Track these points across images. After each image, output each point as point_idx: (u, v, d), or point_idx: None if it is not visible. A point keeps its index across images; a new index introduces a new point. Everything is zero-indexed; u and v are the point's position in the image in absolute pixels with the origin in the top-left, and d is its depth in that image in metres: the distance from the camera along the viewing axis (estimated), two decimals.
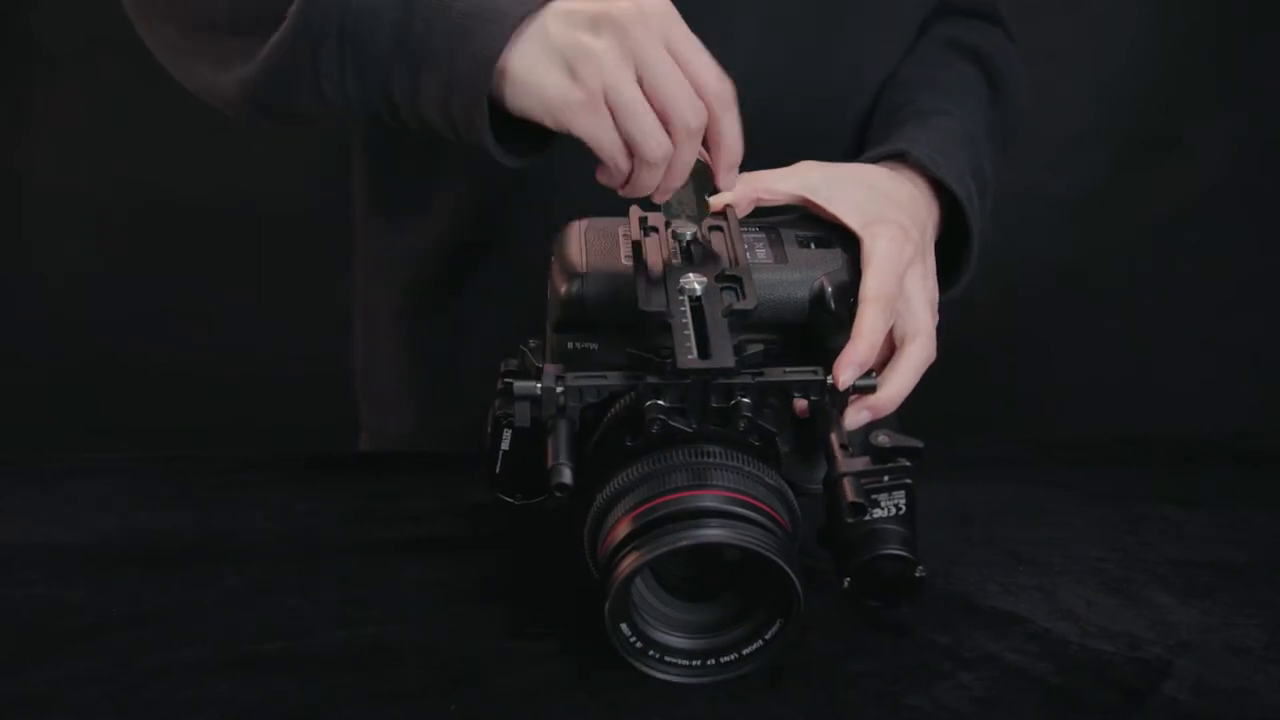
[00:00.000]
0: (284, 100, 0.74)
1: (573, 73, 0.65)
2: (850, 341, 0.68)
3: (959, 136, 0.85)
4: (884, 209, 0.75)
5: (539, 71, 0.65)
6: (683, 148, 0.66)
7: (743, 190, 0.75)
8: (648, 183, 0.67)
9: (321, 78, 0.70)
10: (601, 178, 0.69)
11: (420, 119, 0.70)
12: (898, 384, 0.72)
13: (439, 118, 0.69)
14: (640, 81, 0.65)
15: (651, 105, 0.65)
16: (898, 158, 0.82)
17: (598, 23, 0.65)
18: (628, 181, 0.68)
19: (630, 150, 0.66)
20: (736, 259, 0.71)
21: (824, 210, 0.75)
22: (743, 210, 0.75)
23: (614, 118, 0.65)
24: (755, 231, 0.75)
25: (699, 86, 0.65)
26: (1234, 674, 0.66)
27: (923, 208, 0.80)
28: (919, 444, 0.66)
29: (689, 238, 0.71)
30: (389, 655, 0.67)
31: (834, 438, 0.66)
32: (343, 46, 0.69)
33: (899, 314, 0.72)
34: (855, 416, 0.69)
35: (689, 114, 0.65)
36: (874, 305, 0.70)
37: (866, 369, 0.68)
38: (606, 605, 0.61)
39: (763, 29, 0.87)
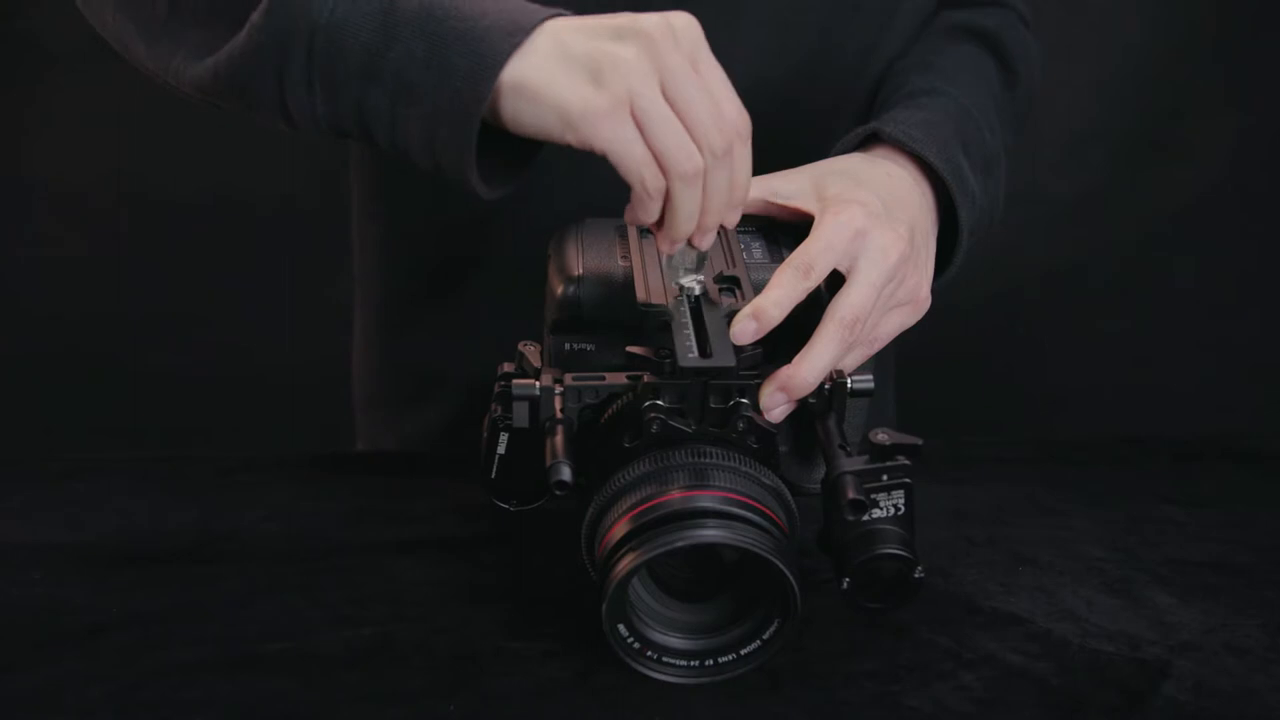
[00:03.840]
0: (239, 107, 0.68)
1: (596, 80, 0.60)
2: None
3: (948, 111, 0.83)
4: (844, 189, 0.73)
5: (557, 81, 0.60)
6: (712, 171, 0.61)
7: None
8: (688, 207, 0.62)
9: (287, 96, 0.64)
10: (631, 214, 0.64)
11: (396, 146, 0.65)
12: (812, 362, 0.67)
13: (419, 149, 0.64)
14: (665, 97, 0.61)
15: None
16: (873, 137, 0.81)
17: (623, 32, 0.60)
18: (665, 213, 0.63)
19: (661, 167, 0.61)
20: (733, 259, 0.71)
21: (785, 210, 0.75)
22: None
23: (642, 130, 0.60)
24: (751, 231, 0.75)
25: (720, 113, 0.62)
26: (1234, 674, 0.66)
27: (902, 185, 0.77)
28: (918, 441, 0.65)
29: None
30: (389, 655, 0.67)
31: (833, 437, 0.66)
32: (311, 64, 0.63)
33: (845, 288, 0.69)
34: (771, 398, 0.66)
35: (715, 136, 0.61)
36: (783, 267, 0.67)
37: (763, 322, 0.65)
38: (604, 606, 0.61)
39: (769, 26, 0.86)
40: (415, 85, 0.62)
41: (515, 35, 0.61)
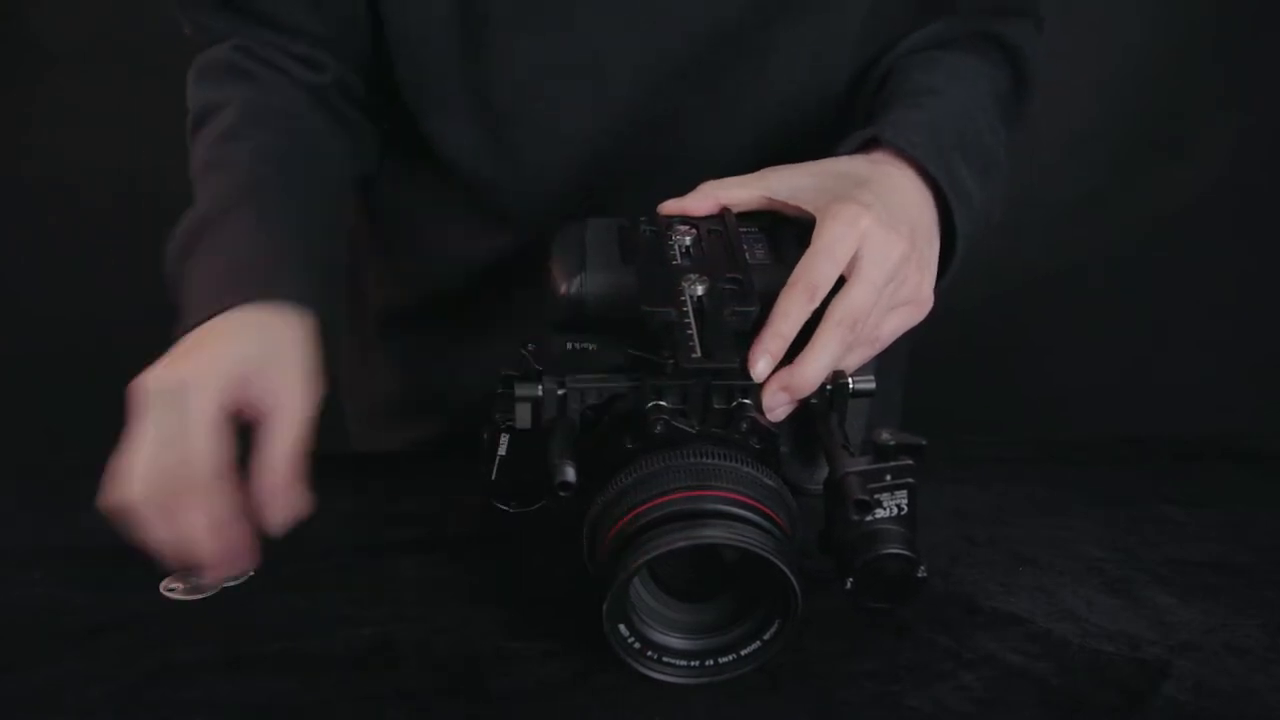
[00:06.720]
0: None
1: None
2: (764, 326, 0.66)
3: (950, 112, 0.83)
4: (845, 189, 0.73)
5: None
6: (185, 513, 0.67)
7: (704, 196, 0.75)
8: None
9: None
10: None
11: None
12: (813, 362, 0.67)
13: None
14: None
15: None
16: (874, 141, 0.81)
17: (146, 401, 0.70)
18: None
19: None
20: (736, 259, 0.71)
21: (786, 206, 0.74)
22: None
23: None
24: (754, 232, 0.75)
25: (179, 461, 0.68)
26: (1234, 674, 0.66)
27: (902, 186, 0.77)
28: (922, 441, 0.65)
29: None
30: (389, 655, 0.67)
31: (835, 437, 0.66)
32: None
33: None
34: (773, 398, 0.67)
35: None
36: (789, 290, 0.67)
37: (779, 356, 0.66)
38: (604, 606, 0.61)
39: (806, 60, 0.88)
40: None
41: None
